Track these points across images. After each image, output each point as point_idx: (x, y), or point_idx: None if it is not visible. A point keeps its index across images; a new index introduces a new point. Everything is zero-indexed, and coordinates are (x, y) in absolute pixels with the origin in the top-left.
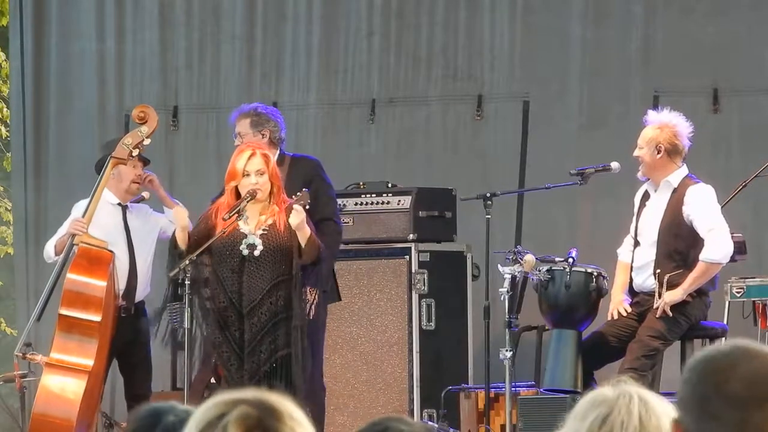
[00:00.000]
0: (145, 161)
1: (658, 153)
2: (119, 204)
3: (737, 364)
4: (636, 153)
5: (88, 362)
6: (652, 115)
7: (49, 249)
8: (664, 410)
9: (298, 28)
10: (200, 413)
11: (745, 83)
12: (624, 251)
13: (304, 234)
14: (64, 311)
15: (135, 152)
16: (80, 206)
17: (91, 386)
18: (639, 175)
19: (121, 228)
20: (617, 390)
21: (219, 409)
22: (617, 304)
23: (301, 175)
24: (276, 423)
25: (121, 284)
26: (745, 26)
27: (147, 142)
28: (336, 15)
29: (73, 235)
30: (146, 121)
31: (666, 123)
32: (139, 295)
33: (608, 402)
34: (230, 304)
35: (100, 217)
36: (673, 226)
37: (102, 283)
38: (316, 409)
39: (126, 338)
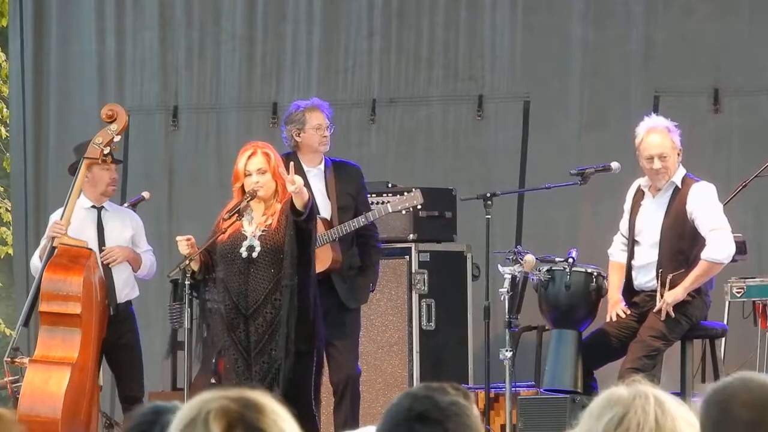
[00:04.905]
0: (117, 162)
1: (679, 157)
2: (93, 206)
3: (739, 393)
4: (659, 165)
5: (72, 354)
6: (651, 121)
7: (35, 261)
8: (679, 412)
9: (298, 28)
10: (183, 411)
11: (746, 83)
12: (615, 251)
13: (301, 199)
14: (44, 308)
15: (107, 150)
16: (56, 216)
17: (78, 379)
18: (663, 184)
19: (93, 230)
20: (633, 390)
21: (200, 406)
22: (615, 307)
23: (349, 181)
24: (257, 415)
25: None
26: (745, 26)
27: (117, 139)
28: (336, 15)
29: (53, 238)
30: (115, 119)
31: (668, 126)
32: (122, 296)
33: (624, 402)
34: (235, 307)
35: (73, 223)
36: (677, 226)
37: (78, 277)
38: (353, 397)
39: (110, 339)
